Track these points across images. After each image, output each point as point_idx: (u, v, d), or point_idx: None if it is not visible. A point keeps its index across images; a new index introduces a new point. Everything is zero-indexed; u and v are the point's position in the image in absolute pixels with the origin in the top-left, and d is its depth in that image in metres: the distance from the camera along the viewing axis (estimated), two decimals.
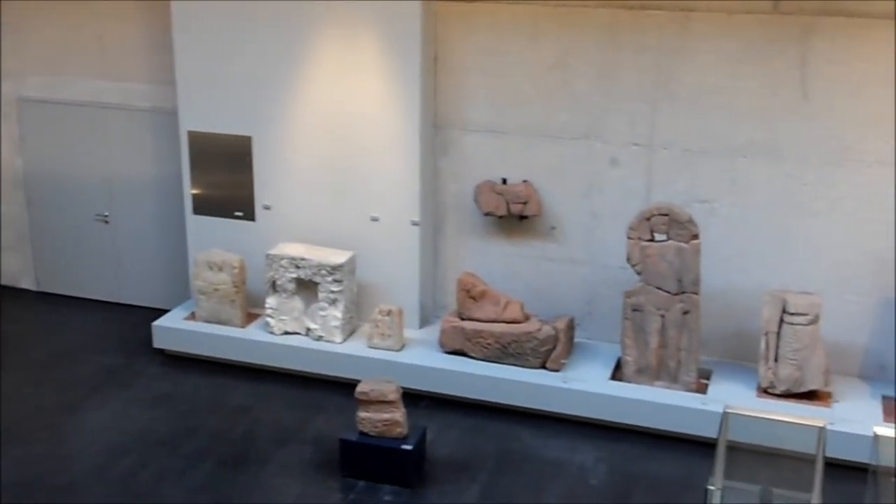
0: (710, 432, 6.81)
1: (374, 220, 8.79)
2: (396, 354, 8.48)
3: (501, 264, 8.90)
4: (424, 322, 9.00)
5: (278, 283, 8.68)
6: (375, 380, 7.32)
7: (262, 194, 9.05)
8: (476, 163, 8.74)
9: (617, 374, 8.21)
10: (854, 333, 8.08)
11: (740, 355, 8.28)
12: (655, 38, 8.00)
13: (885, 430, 5.24)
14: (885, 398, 7.78)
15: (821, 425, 5.22)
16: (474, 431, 7.94)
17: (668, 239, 7.85)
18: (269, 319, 8.79)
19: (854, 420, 7.21)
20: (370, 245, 8.84)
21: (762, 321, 7.75)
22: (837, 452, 6.50)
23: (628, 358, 8.06)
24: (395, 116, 8.48)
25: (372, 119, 8.55)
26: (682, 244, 7.81)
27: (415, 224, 8.71)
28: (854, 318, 8.05)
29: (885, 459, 5.06)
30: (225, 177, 9.12)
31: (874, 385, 7.99)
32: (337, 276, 8.54)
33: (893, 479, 5.38)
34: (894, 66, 7.47)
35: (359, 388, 7.20)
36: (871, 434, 5.43)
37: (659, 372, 8.03)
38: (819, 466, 5.12)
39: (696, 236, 7.80)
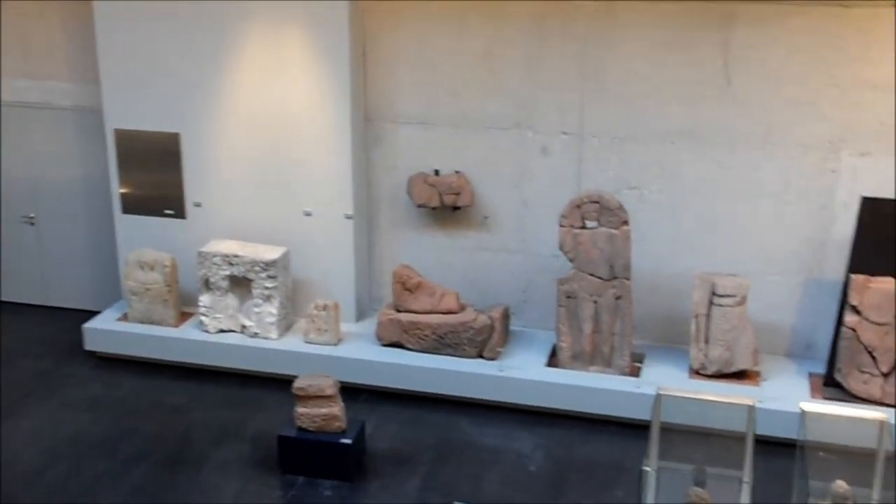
0: (644, 415, 6.91)
1: (308, 214, 8.76)
2: (333, 349, 8.47)
3: (436, 255, 8.94)
4: (361, 316, 9.00)
5: (211, 280, 8.60)
6: (313, 375, 7.31)
7: (193, 191, 8.95)
8: (408, 155, 8.76)
9: (552, 360, 8.31)
10: (781, 313, 8.28)
11: (672, 338, 8.44)
12: (582, 28, 8.09)
13: (811, 406, 5.39)
14: (812, 375, 8.00)
15: (750, 404, 5.34)
16: (413, 423, 7.98)
17: (600, 226, 7.95)
18: (203, 318, 8.71)
19: (782, 398, 7.40)
20: (304, 240, 8.81)
21: (692, 304, 7.90)
22: (767, 430, 6.66)
23: (563, 344, 8.16)
24: (326, 111, 8.45)
25: (302, 114, 8.51)
26: (613, 231, 7.92)
27: (348, 218, 8.69)
28: (781, 299, 8.25)
29: (812, 434, 5.20)
30: (154, 175, 8.99)
31: (801, 363, 8.20)
32: (271, 273, 8.50)
33: (821, 454, 5.53)
34: (815, 51, 7.67)
35: (296, 384, 7.18)
36: (799, 411, 5.58)
37: (593, 357, 8.14)
38: (749, 444, 5.25)
39: (626, 222, 7.91)
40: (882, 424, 5.10)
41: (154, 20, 8.54)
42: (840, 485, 4.88)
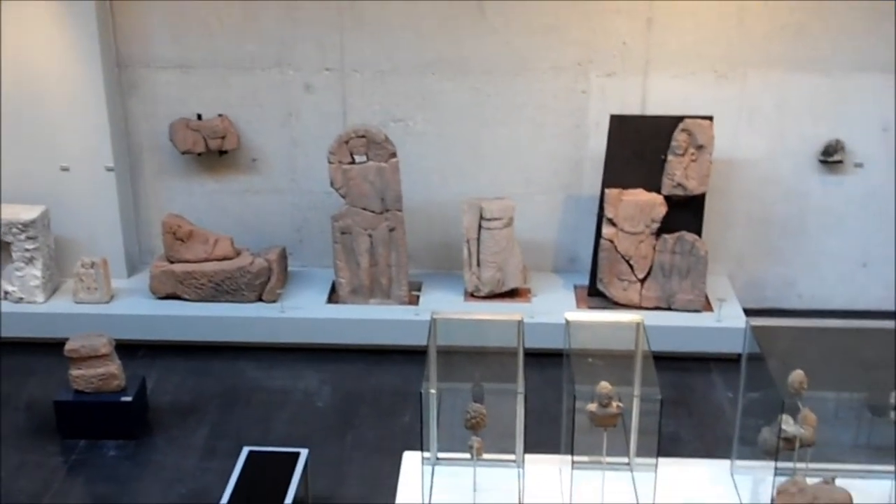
0: (425, 341, 7.13)
1: (65, 169, 8.35)
2: (106, 307, 8.18)
3: (206, 202, 8.76)
4: (132, 270, 8.73)
5: None
6: (84, 335, 7.05)
7: None
8: (168, 101, 8.47)
9: (332, 297, 8.39)
10: (546, 231, 8.70)
11: (447, 264, 8.70)
12: None
13: (574, 316, 5.71)
14: (577, 287, 8.49)
15: (518, 319, 5.60)
16: (196, 373, 7.88)
17: (368, 160, 8.03)
18: None
19: (551, 311, 7.80)
20: (63, 196, 8.40)
21: (463, 229, 8.16)
22: (538, 342, 7.00)
23: (342, 280, 8.24)
24: (74, 60, 8.04)
25: (49, 66, 8.05)
26: (382, 164, 8.02)
27: (109, 170, 8.36)
28: (544, 217, 8.66)
29: (576, 342, 5.52)
30: None
31: (567, 277, 8.68)
32: (30, 233, 8.07)
33: (590, 360, 5.88)
34: None
35: (67, 346, 6.92)
36: (564, 321, 5.90)
37: (372, 290, 8.28)
38: (520, 357, 5.51)
39: (393, 155, 8.03)
40: (638, 326, 5.48)
41: None
42: (603, 386, 5.21)
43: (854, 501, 4.86)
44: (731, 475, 5.53)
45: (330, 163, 8.03)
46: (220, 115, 8.44)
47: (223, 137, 8.42)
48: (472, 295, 8.27)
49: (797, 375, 5.09)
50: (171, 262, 8.27)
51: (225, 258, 8.27)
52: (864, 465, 5.42)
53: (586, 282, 8.39)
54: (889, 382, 5.16)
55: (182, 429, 7.18)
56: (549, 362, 7.26)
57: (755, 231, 8.65)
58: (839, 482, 4.94)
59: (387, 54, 8.29)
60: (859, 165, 8.40)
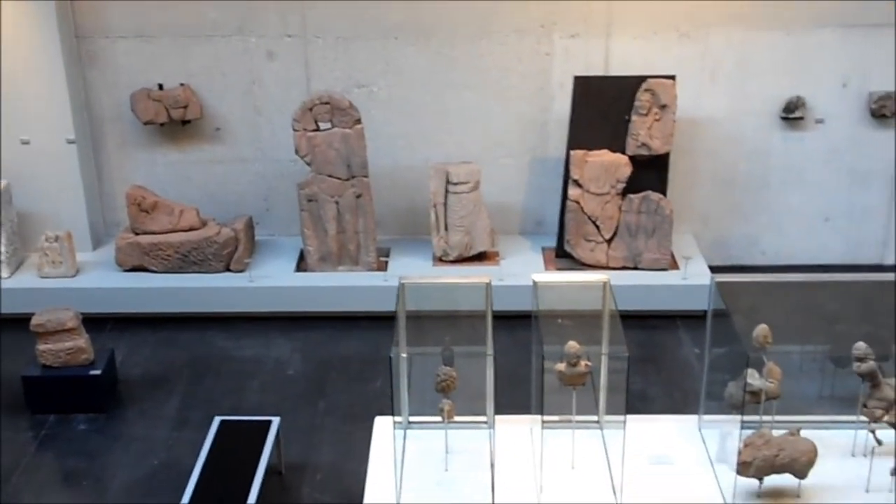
0: (394, 307, 7.15)
1: (25, 143, 8.26)
2: (72, 280, 8.12)
3: (171, 173, 8.69)
4: (98, 243, 8.66)
5: None
6: (51, 309, 7.00)
7: None
8: (128, 71, 8.37)
9: (301, 265, 8.38)
10: (512, 194, 8.72)
11: (415, 229, 8.70)
12: None
13: (541, 277, 5.72)
14: (545, 249, 8.53)
15: (486, 282, 5.62)
16: (166, 345, 7.85)
17: (333, 127, 7.99)
18: None
19: (519, 273, 7.84)
20: (25, 170, 8.30)
21: (429, 194, 8.16)
22: (507, 304, 7.01)
23: (309, 248, 8.23)
24: (31, 33, 7.93)
25: (7, 39, 7.93)
26: (347, 130, 7.99)
27: (71, 142, 8.26)
28: (511, 180, 8.68)
29: (545, 303, 5.55)
30: None
31: (535, 239, 8.72)
32: None
33: (560, 321, 5.92)
34: None
35: (33, 321, 6.88)
36: (532, 283, 5.93)
37: (340, 257, 8.28)
38: (489, 319, 5.54)
39: (358, 121, 7.99)
40: (605, 286, 5.51)
41: None
42: (571, 345, 5.25)
43: (818, 451, 4.95)
44: (699, 430, 5.61)
45: (294, 130, 7.98)
46: (181, 85, 8.35)
47: (185, 107, 8.34)
48: (440, 259, 8.29)
49: (761, 330, 5.16)
50: (137, 234, 8.22)
51: (191, 229, 8.22)
52: (828, 415, 5.52)
53: (554, 243, 8.43)
54: (851, 335, 5.24)
55: (153, 401, 7.17)
56: (518, 324, 7.30)
57: (719, 189, 8.72)
58: (804, 433, 5.03)
59: (349, 20, 8.22)
60: (820, 121, 8.48)
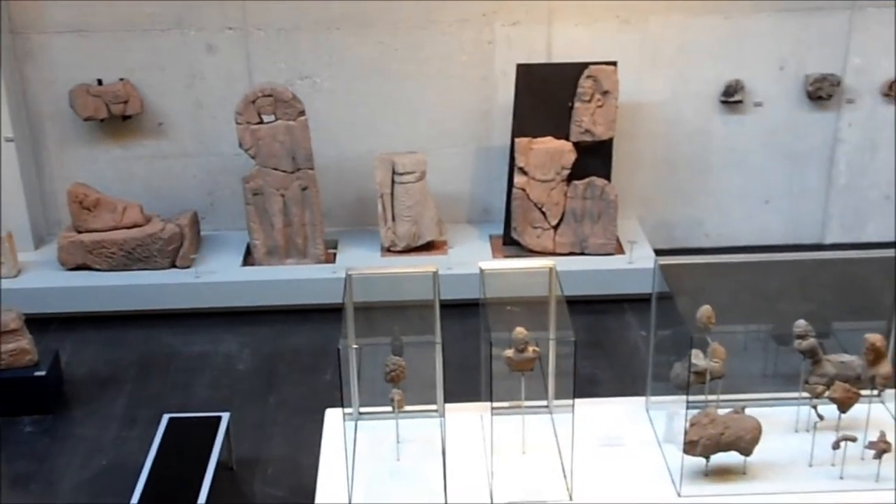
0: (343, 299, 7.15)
1: None
2: (13, 281, 7.98)
3: (113, 169, 8.58)
4: (39, 242, 8.52)
5: None
6: None
7: None
8: (67, 67, 8.24)
9: (248, 259, 8.33)
10: (459, 183, 8.75)
11: (362, 221, 8.68)
12: None
13: (488, 265, 5.74)
14: (492, 237, 8.57)
15: (433, 271, 5.63)
16: (112, 344, 7.76)
17: (276, 119, 7.94)
18: None
19: (467, 262, 7.84)
20: None
21: (376, 185, 8.14)
22: (456, 293, 7.04)
23: (256, 242, 8.18)
24: None
25: None
26: (291, 122, 7.94)
27: (9, 140, 8.11)
28: (457, 169, 8.70)
29: (492, 291, 5.58)
30: None
31: (482, 227, 8.75)
32: None
33: (509, 308, 5.96)
34: None
35: None
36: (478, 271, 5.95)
37: (288, 250, 8.24)
38: (436, 308, 5.55)
39: (302, 113, 7.95)
40: (551, 272, 5.55)
41: None
42: (519, 331, 5.28)
43: (763, 428, 5.04)
44: (647, 411, 5.68)
45: (238, 123, 7.92)
46: (121, 80, 8.24)
47: (126, 102, 8.23)
48: (388, 250, 8.29)
49: (705, 311, 5.23)
50: (80, 232, 8.11)
51: (135, 225, 8.13)
52: (772, 393, 5.62)
53: (501, 231, 8.47)
54: (792, 313, 5.34)
55: (100, 400, 7.09)
56: (468, 312, 7.29)
57: (662, 173, 8.82)
58: (749, 411, 5.12)
59: (290, 11, 8.17)
60: (759, 104, 8.61)
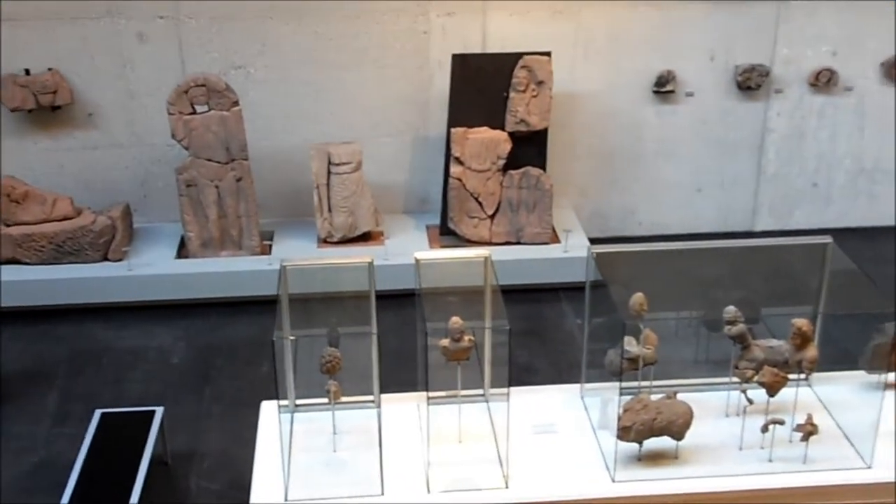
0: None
1: None
2: None
3: (42, 161, 8.41)
4: None
5: None
6: None
7: None
8: None
9: (182, 251, 8.23)
10: (395, 173, 8.74)
11: (298, 212, 8.62)
12: None
13: (423, 255, 5.75)
14: (429, 227, 8.58)
15: (368, 261, 5.62)
16: (42, 339, 7.62)
17: (210, 109, 7.85)
18: None
19: (404, 252, 7.84)
20: None
21: (311, 175, 8.10)
22: (393, 284, 7.08)
23: (190, 233, 8.09)
24: None
25: None
26: (224, 112, 7.86)
27: None
28: (393, 159, 8.69)
29: (427, 281, 5.59)
30: None
31: (419, 217, 8.76)
32: None
33: (450, 298, 5.97)
34: None
35: None
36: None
37: (223, 242, 8.16)
38: (372, 299, 5.55)
39: (236, 103, 7.87)
40: (486, 261, 5.58)
41: None
42: (455, 321, 5.30)
43: (694, 413, 5.13)
44: (582, 398, 5.74)
45: (170, 114, 7.81)
46: (49, 70, 8.08)
47: (54, 92, 8.07)
48: (325, 241, 8.25)
49: (637, 298, 5.31)
50: (8, 226, 7.93)
51: (65, 218, 7.98)
52: (703, 378, 5.72)
53: (438, 221, 8.49)
54: (724, 299, 5.43)
55: (30, 396, 6.96)
56: (405, 302, 7.31)
57: (596, 162, 8.91)
58: (680, 396, 5.21)
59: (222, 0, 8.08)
60: (690, 94, 8.74)
